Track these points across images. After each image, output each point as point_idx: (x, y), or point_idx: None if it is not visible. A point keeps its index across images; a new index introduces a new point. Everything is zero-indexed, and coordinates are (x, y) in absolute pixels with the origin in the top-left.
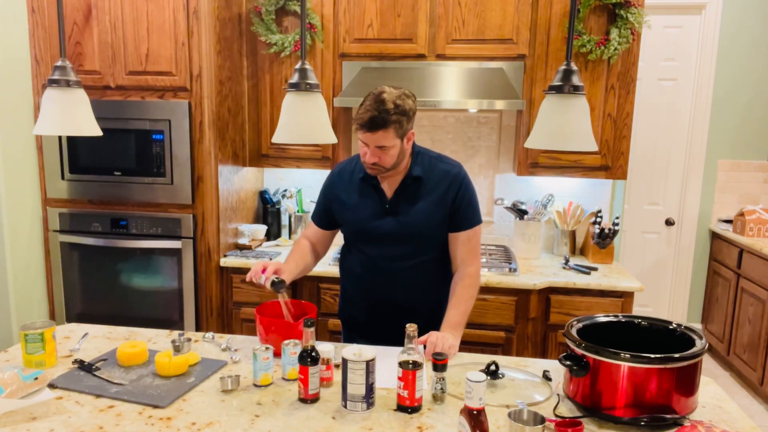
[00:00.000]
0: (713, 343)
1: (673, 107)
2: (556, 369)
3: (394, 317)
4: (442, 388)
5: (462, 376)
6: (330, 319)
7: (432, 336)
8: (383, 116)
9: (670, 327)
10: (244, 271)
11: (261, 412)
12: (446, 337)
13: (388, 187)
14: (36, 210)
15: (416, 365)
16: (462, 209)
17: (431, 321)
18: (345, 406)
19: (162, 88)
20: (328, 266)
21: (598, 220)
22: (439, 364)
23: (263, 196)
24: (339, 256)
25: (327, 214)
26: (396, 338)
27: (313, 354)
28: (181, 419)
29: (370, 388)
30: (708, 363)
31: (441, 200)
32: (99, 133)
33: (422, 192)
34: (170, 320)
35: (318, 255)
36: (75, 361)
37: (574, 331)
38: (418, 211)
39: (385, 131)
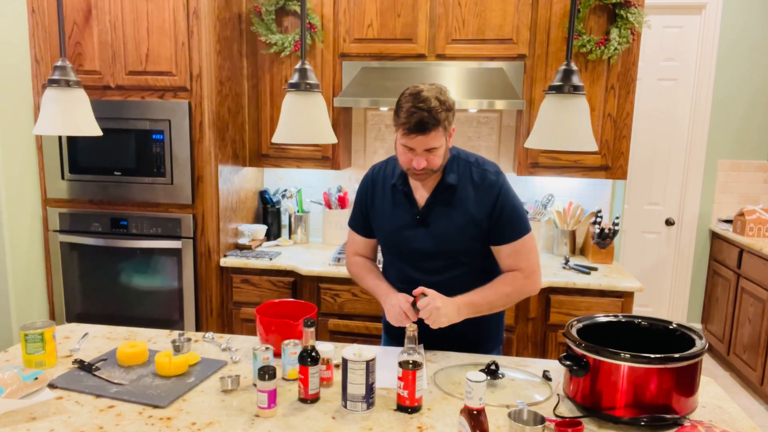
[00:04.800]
0: (713, 343)
1: (673, 107)
2: (556, 369)
3: (434, 333)
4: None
5: (462, 376)
6: (330, 319)
7: (430, 297)
8: (433, 115)
9: (670, 327)
10: (244, 271)
11: (261, 411)
12: (446, 306)
13: (420, 196)
14: (36, 210)
15: (416, 365)
16: (503, 220)
17: (476, 340)
18: (345, 406)
19: (162, 88)
20: (328, 266)
21: (598, 220)
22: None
23: (263, 196)
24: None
25: (369, 222)
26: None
27: (313, 354)
28: (181, 419)
29: (370, 388)
30: (708, 363)
31: (475, 210)
32: (99, 133)
33: (456, 201)
34: (170, 320)
35: (377, 264)
36: (75, 361)
37: (574, 331)
38: (450, 223)
39: (435, 132)
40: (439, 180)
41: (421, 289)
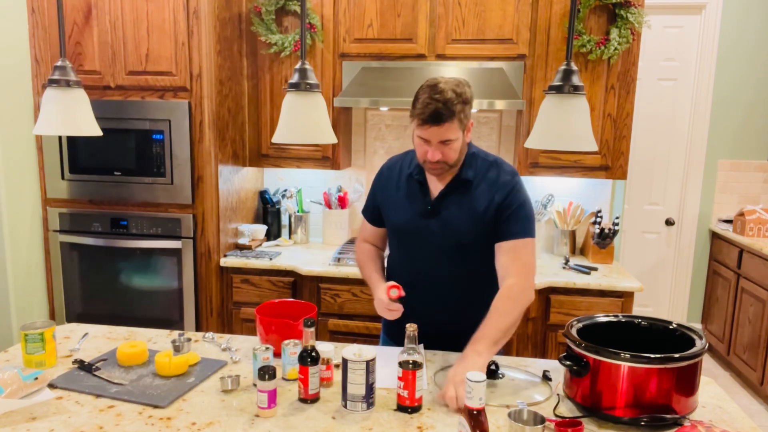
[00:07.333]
0: (713, 343)
1: (673, 107)
2: (556, 369)
3: (439, 329)
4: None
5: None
6: (330, 319)
7: (449, 388)
8: (447, 106)
9: (670, 327)
10: (244, 270)
11: (261, 411)
12: (465, 370)
13: (435, 187)
14: (36, 210)
15: (416, 365)
16: (508, 217)
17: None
18: (345, 406)
19: (162, 88)
20: (328, 266)
21: (598, 220)
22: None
23: (263, 196)
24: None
25: (379, 212)
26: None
27: (313, 354)
28: (181, 419)
29: (370, 388)
30: (708, 363)
31: (487, 206)
32: (99, 133)
33: (469, 196)
34: (170, 320)
35: (383, 255)
36: (75, 361)
37: (574, 331)
38: (461, 214)
39: (450, 123)
40: (456, 174)
41: (392, 284)
